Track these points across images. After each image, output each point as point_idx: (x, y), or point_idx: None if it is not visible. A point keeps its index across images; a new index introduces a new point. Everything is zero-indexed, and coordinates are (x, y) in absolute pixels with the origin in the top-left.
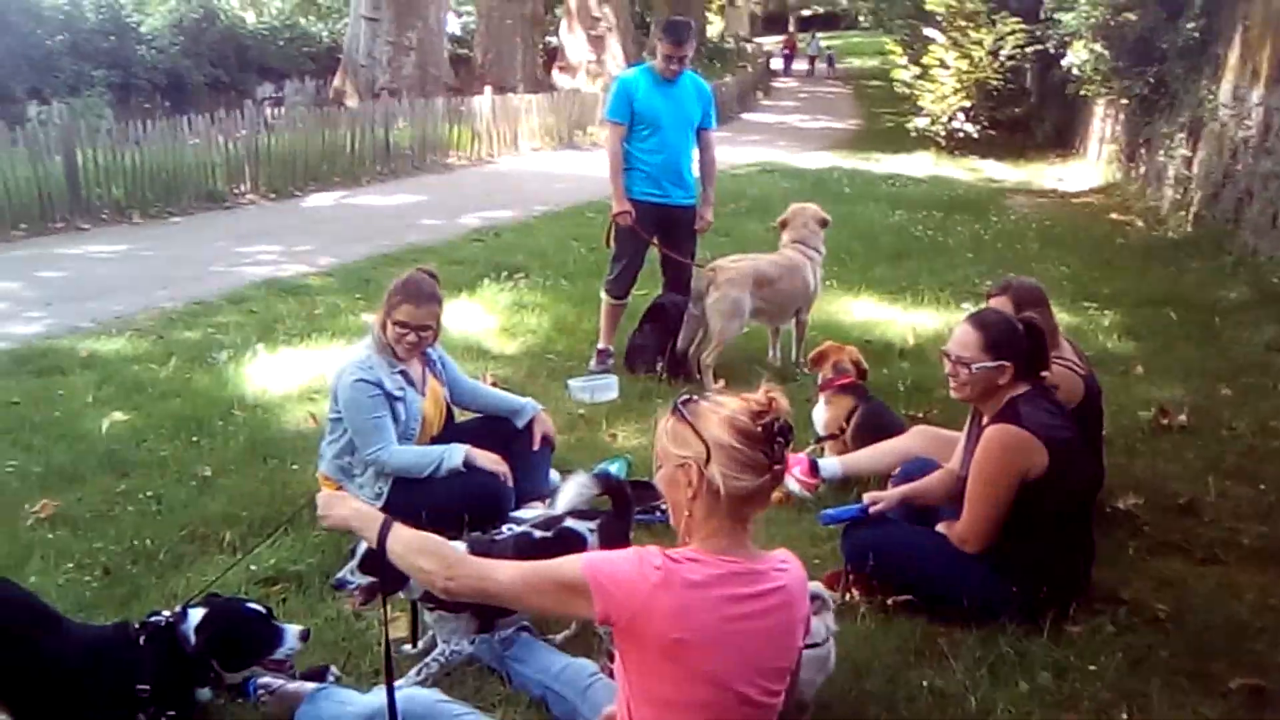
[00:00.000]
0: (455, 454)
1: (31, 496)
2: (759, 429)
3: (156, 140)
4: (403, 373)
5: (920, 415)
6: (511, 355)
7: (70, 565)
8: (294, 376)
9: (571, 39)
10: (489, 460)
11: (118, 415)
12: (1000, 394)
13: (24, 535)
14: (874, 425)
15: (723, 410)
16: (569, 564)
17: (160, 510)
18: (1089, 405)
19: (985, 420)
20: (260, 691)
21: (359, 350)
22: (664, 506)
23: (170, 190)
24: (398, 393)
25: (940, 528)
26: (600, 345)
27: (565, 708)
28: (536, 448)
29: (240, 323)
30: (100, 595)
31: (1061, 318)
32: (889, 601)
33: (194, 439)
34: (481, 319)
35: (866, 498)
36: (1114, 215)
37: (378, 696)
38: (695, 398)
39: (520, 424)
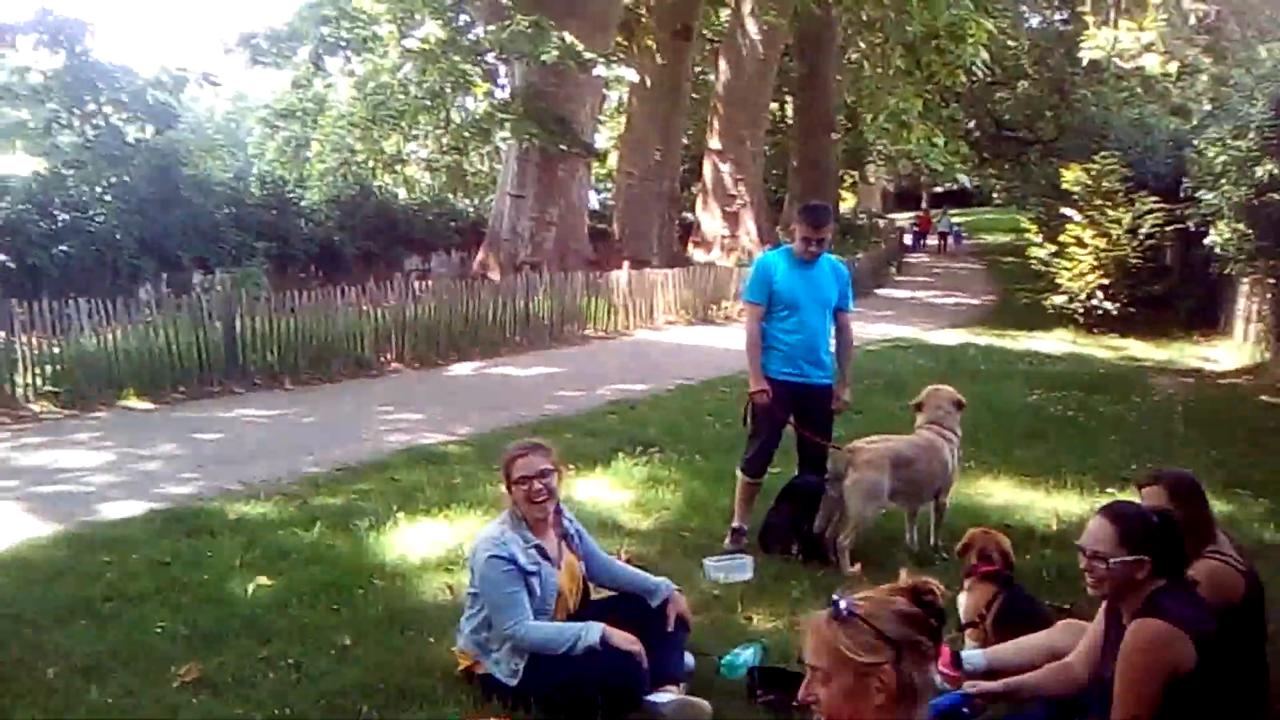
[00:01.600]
0: (592, 632)
1: (178, 659)
2: (925, 614)
3: (310, 309)
4: (538, 547)
5: (1067, 606)
6: (646, 531)
7: None
8: (432, 546)
9: (706, 215)
10: (625, 640)
11: (262, 579)
12: (1139, 589)
13: (170, 697)
14: (1016, 614)
15: (892, 605)
16: None
17: (300, 679)
18: (1250, 602)
19: (1126, 618)
20: None
21: (494, 526)
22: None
23: (321, 357)
24: (532, 567)
25: None
26: (735, 524)
27: None
28: (671, 629)
29: (381, 490)
30: None
31: (1213, 505)
32: None
33: (334, 606)
34: (616, 493)
35: (968, 685)
36: (1264, 397)
37: None
38: (850, 600)
39: (655, 604)
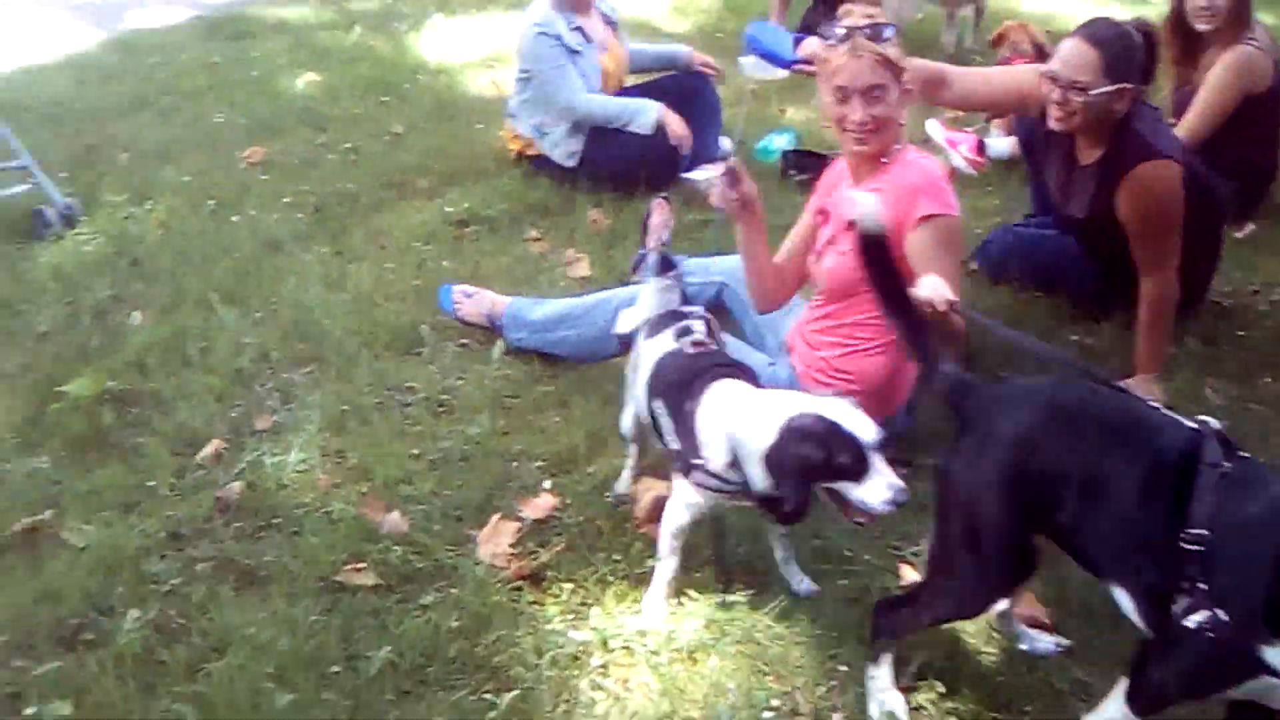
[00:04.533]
0: (649, 111)
1: (241, 144)
2: None
3: None
4: (579, 29)
5: None
6: (682, 34)
7: (286, 201)
8: (472, 45)
9: None
10: (677, 123)
11: (310, 76)
12: (1110, 119)
13: (240, 176)
14: None
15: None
16: None
17: (358, 160)
18: (1274, 92)
19: (1085, 146)
20: (457, 295)
21: (537, 8)
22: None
23: None
24: (576, 47)
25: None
26: (772, 23)
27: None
28: (704, 73)
29: None
30: (314, 229)
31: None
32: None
33: (383, 100)
34: None
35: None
36: None
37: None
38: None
39: (682, 66)
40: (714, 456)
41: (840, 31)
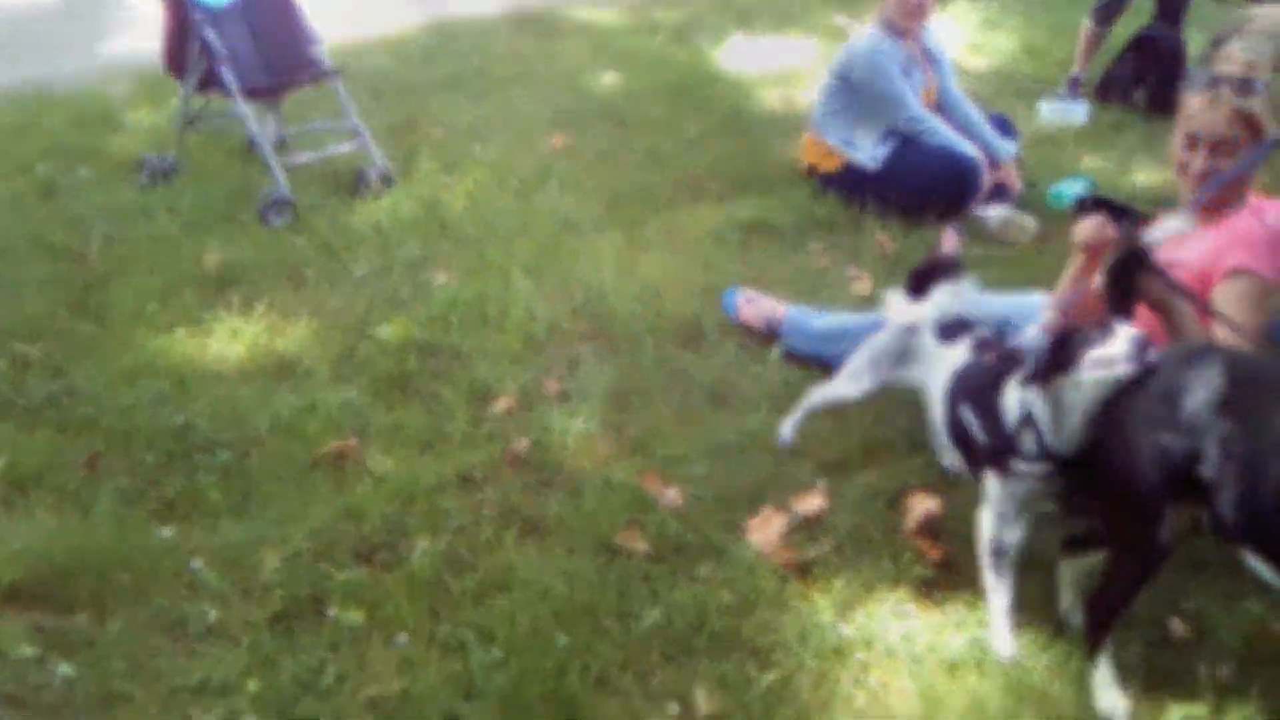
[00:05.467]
0: (973, 154)
1: (544, 132)
2: None
3: None
4: (907, 57)
5: None
6: (978, 73)
7: (585, 188)
8: (768, 61)
9: None
10: (988, 180)
11: (612, 76)
12: None
13: (542, 160)
14: None
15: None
16: None
17: (654, 159)
18: None
19: None
20: (740, 299)
21: (869, 32)
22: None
23: None
24: (906, 68)
25: None
26: (1074, 72)
27: None
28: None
29: (719, 9)
30: (609, 217)
31: None
32: None
33: (679, 105)
34: (949, 33)
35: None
36: None
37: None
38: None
39: (994, 159)
40: (1010, 419)
41: (1206, 78)
